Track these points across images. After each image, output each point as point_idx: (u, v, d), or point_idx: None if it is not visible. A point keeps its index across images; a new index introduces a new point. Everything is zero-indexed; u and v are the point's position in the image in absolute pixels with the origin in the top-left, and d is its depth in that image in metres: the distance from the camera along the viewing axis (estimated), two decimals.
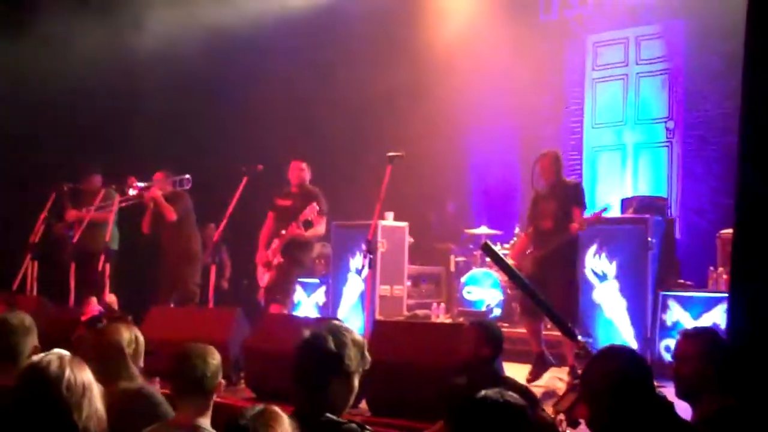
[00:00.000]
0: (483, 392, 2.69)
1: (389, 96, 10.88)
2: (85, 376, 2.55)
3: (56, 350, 2.62)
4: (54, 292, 8.41)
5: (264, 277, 8.23)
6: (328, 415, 3.03)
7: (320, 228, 8.33)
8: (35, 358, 2.60)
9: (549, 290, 6.71)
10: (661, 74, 11.33)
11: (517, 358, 8.09)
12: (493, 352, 4.68)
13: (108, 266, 8.77)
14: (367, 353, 3.19)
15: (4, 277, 8.67)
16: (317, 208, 8.05)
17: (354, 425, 3.04)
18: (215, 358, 3.57)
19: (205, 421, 3.44)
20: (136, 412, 3.59)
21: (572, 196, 7.43)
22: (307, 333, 3.17)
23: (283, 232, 8.12)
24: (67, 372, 2.50)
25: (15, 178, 10.19)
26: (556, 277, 7.12)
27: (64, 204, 9.31)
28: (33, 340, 3.84)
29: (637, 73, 11.53)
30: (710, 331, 3.90)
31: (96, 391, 2.56)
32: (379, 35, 11.07)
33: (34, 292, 8.61)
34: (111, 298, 8.80)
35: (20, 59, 10.31)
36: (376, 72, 10.87)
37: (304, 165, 8.46)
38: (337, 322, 3.45)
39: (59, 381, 2.47)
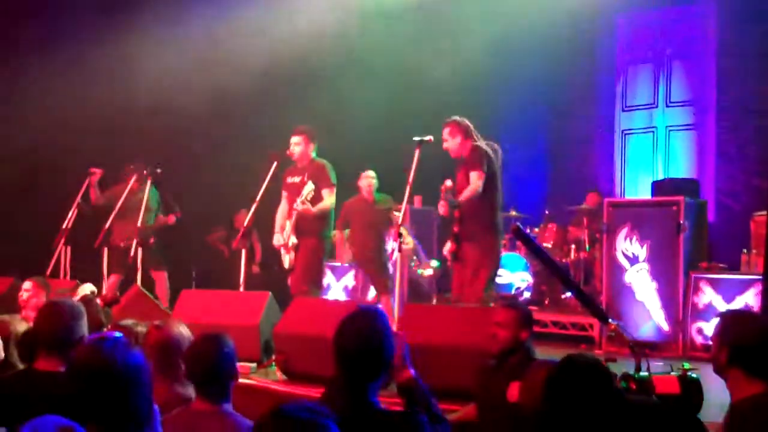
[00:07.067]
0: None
1: (418, 79, 10.87)
2: (140, 357, 2.57)
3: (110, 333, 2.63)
4: (86, 277, 8.49)
5: (285, 259, 8.02)
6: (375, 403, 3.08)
7: (328, 200, 7.91)
8: (89, 339, 2.61)
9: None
10: (692, 56, 11.21)
11: (547, 340, 8.10)
12: (528, 334, 4.68)
13: (140, 251, 8.86)
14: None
15: (38, 263, 8.77)
16: (313, 186, 7.81)
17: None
18: (227, 346, 3.53)
19: (227, 406, 3.46)
20: None
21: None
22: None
23: (294, 211, 7.85)
24: (123, 353, 2.53)
25: (51, 164, 10.29)
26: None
27: (92, 189, 9.39)
28: (86, 326, 3.86)
29: (669, 56, 11.41)
30: (727, 314, 3.81)
31: (148, 375, 2.59)
32: (410, 15, 11.07)
33: (67, 278, 8.70)
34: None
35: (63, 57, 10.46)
36: (406, 54, 10.86)
37: (300, 138, 8.03)
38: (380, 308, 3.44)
39: (116, 361, 2.50)
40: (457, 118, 7.19)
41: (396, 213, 8.31)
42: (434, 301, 9.82)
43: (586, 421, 2.94)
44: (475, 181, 6.88)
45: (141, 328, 4.41)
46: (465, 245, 6.96)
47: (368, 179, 9.24)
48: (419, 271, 9.91)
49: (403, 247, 8.89)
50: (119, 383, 2.49)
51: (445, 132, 7.16)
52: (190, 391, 3.77)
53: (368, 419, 2.96)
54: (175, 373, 3.96)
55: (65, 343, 3.64)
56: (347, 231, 9.54)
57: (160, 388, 3.73)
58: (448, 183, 6.97)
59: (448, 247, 7.10)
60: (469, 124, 7.16)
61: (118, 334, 2.63)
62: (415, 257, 9.80)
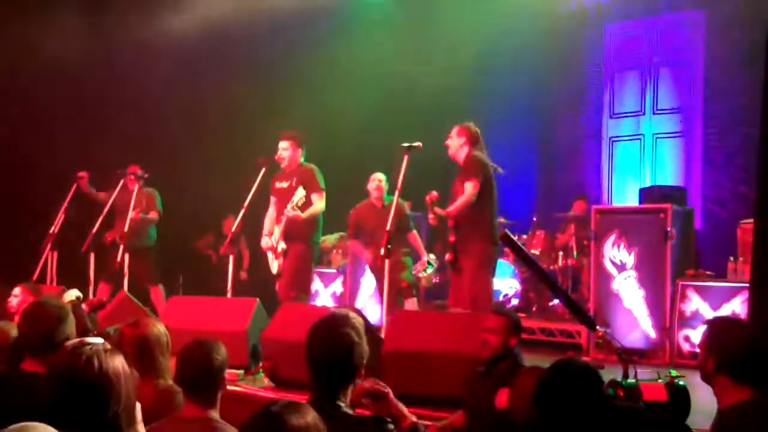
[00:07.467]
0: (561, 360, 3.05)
1: (406, 87, 10.87)
2: (120, 364, 2.53)
3: (91, 338, 2.60)
4: (73, 282, 8.44)
5: (273, 264, 7.97)
6: (344, 408, 3.07)
7: (318, 205, 7.84)
8: (69, 344, 2.59)
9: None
10: (680, 64, 11.26)
11: (535, 347, 8.10)
12: (517, 341, 4.69)
13: (126, 257, 8.82)
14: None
15: (25, 268, 8.72)
16: (304, 191, 7.79)
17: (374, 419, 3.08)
18: (219, 353, 3.53)
19: (214, 413, 3.45)
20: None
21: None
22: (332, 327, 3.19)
23: (283, 217, 7.81)
24: (103, 359, 2.49)
25: (36, 168, 10.24)
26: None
27: (86, 191, 9.36)
28: (71, 328, 3.83)
29: (656, 63, 11.47)
30: (714, 321, 3.80)
31: (131, 381, 2.56)
32: (397, 24, 11.06)
33: (54, 283, 8.65)
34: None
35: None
36: (395, 63, 10.87)
37: (288, 143, 7.99)
38: (351, 313, 3.43)
39: (94, 367, 2.46)
40: (471, 124, 7.20)
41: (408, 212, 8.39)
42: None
43: (576, 424, 2.95)
44: (469, 190, 6.89)
45: None
46: (462, 257, 6.98)
47: (376, 182, 8.55)
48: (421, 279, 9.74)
49: (421, 275, 8.81)
50: (100, 390, 2.45)
51: (454, 131, 7.19)
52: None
53: (337, 424, 2.95)
54: (157, 368, 3.95)
55: (50, 345, 3.60)
56: (333, 237, 9.50)
57: (146, 386, 3.72)
58: (434, 193, 6.96)
59: (447, 256, 7.13)
60: (478, 134, 7.17)
61: (100, 339, 2.60)
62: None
